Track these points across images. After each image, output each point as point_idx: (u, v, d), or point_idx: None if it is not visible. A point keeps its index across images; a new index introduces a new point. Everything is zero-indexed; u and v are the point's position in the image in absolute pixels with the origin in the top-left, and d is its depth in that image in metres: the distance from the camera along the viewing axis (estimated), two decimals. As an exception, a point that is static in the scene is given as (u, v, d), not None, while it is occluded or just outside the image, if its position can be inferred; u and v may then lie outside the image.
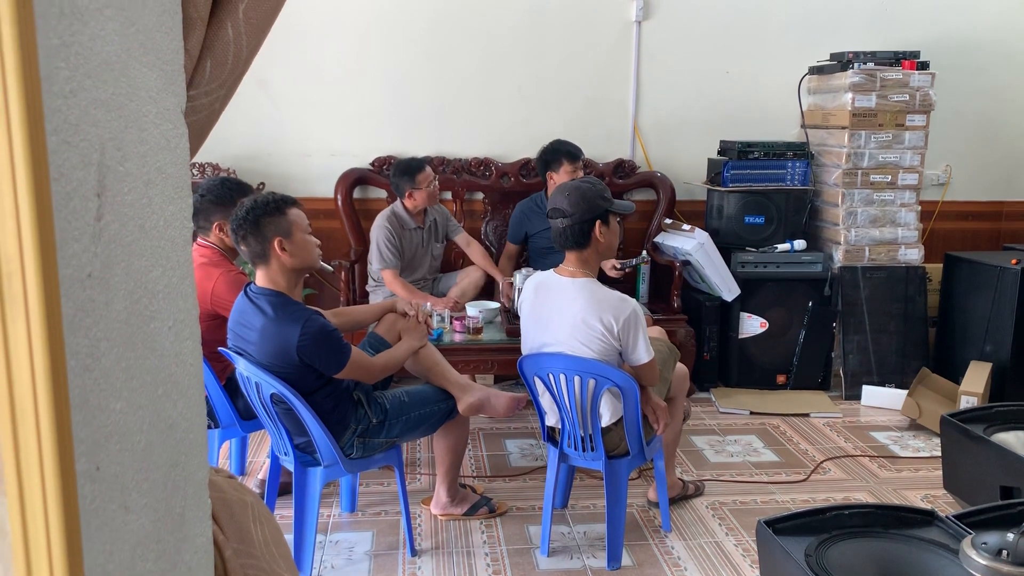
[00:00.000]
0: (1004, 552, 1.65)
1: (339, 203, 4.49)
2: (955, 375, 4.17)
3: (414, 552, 2.87)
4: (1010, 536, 1.67)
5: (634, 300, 2.70)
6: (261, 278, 2.57)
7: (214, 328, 2.88)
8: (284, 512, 2.93)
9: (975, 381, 3.96)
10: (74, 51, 0.51)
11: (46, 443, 0.46)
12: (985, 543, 1.69)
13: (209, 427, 3.02)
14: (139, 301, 0.60)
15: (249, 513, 0.88)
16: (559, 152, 4.09)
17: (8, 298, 0.45)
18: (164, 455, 0.64)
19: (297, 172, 4.57)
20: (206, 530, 0.74)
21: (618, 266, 3.96)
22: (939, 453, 3.33)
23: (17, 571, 0.47)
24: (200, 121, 0.74)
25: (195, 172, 4.38)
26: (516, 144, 4.64)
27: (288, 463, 2.75)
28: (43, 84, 0.45)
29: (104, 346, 0.55)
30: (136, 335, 0.59)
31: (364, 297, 4.27)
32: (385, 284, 3.95)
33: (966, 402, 3.85)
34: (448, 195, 4.60)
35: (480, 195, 4.68)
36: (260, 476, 3.24)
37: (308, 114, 4.56)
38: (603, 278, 2.91)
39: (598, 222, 2.68)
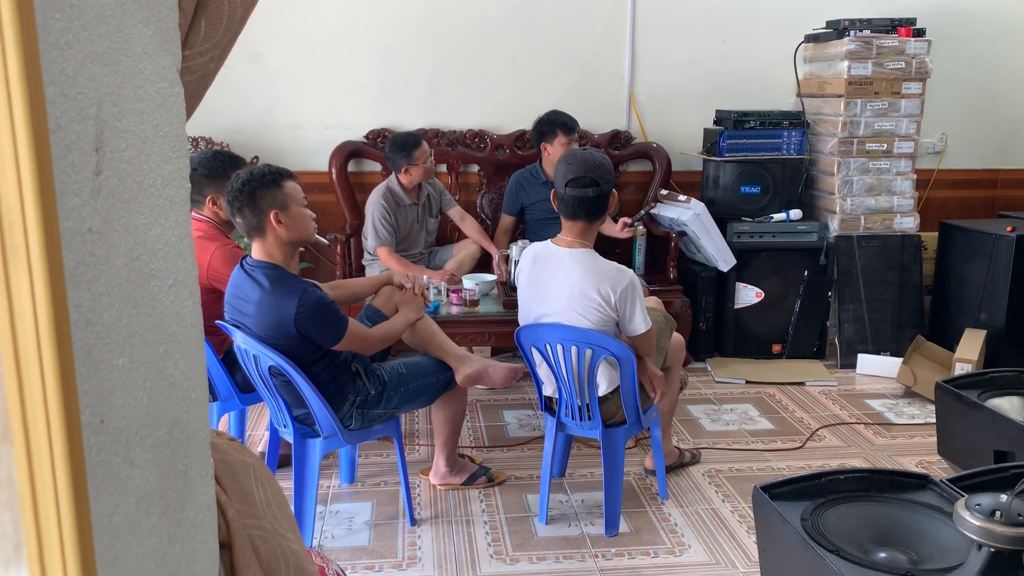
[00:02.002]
0: (997, 513, 1.67)
1: (333, 176, 4.47)
2: (950, 343, 4.19)
3: (414, 521, 2.89)
4: (1003, 497, 1.69)
5: (631, 271, 2.71)
6: (257, 251, 2.57)
7: (211, 302, 2.88)
8: (284, 484, 2.93)
9: (970, 348, 3.98)
10: (69, 2, 0.50)
11: (51, 393, 0.46)
12: (979, 504, 1.71)
13: (208, 400, 3.03)
14: (139, 258, 0.60)
15: (251, 474, 0.89)
16: (555, 124, 4.07)
17: (10, 248, 0.45)
18: (167, 412, 0.65)
19: (291, 145, 4.55)
20: (209, 489, 0.75)
21: (629, 222, 3.95)
22: (933, 420, 3.36)
23: (25, 519, 0.47)
24: (195, 82, 0.73)
25: (188, 146, 4.35)
26: (511, 116, 4.61)
27: (287, 435, 2.76)
28: (39, 34, 0.45)
29: (106, 301, 0.55)
30: (137, 292, 0.59)
31: (360, 270, 4.27)
32: (381, 260, 3.95)
33: (960, 369, 3.88)
34: (443, 168, 4.59)
35: (475, 167, 4.67)
36: (259, 448, 3.26)
37: (301, 87, 4.53)
38: (601, 248, 2.90)
39: (613, 192, 2.70)
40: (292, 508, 2.71)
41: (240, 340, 2.61)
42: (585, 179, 2.63)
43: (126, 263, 0.57)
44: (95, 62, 0.53)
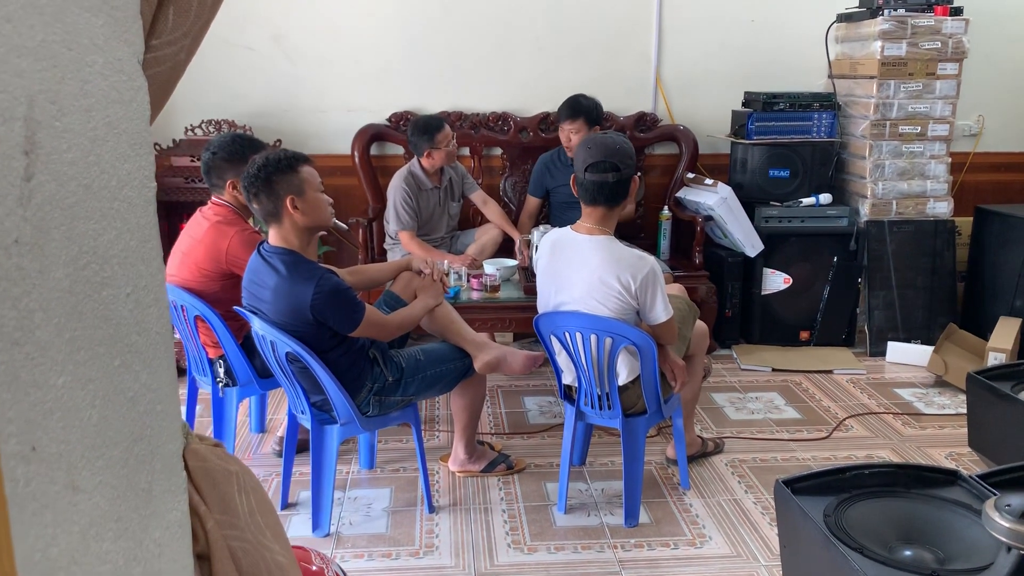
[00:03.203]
0: (1028, 514, 1.61)
1: (356, 160, 4.44)
2: (983, 331, 4.09)
3: (432, 509, 2.87)
4: (1035, 498, 1.63)
5: (653, 258, 2.65)
6: (274, 237, 2.55)
7: (229, 287, 2.88)
8: (303, 469, 2.94)
9: (1004, 337, 3.88)
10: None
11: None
12: (1009, 505, 1.65)
13: (227, 385, 3.03)
14: (86, 267, 0.56)
15: (234, 483, 0.86)
16: (561, 109, 4.02)
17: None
18: (124, 429, 0.61)
19: (313, 129, 4.53)
20: (179, 504, 0.72)
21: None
22: (964, 411, 3.27)
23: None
24: (164, 73, 0.70)
25: (211, 129, 4.35)
26: (535, 98, 4.55)
27: (305, 421, 2.75)
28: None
29: (39, 317, 0.51)
30: (83, 304, 0.56)
31: (382, 255, 4.25)
32: (402, 245, 3.92)
33: (994, 359, 3.78)
34: (466, 151, 4.54)
35: (498, 151, 4.61)
36: (280, 433, 3.25)
37: (324, 70, 4.50)
38: (625, 232, 2.84)
39: (635, 177, 2.64)
40: (311, 493, 2.70)
41: (257, 326, 2.59)
42: (605, 164, 2.57)
43: (68, 274, 0.54)
44: (23, 56, 0.49)
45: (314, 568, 1.22)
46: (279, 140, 4.42)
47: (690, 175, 4.50)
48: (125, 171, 0.60)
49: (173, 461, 0.70)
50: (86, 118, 0.55)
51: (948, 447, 3.34)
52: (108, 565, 0.58)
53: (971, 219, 4.46)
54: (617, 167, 2.57)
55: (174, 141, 4.35)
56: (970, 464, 3.16)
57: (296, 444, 2.95)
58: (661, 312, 2.61)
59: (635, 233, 4.50)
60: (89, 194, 0.56)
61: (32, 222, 0.50)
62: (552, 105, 4.22)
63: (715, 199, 4.14)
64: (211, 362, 3.03)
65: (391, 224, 3.98)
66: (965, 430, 3.24)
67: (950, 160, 4.41)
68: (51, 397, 0.52)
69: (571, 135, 3.97)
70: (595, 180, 2.58)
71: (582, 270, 2.62)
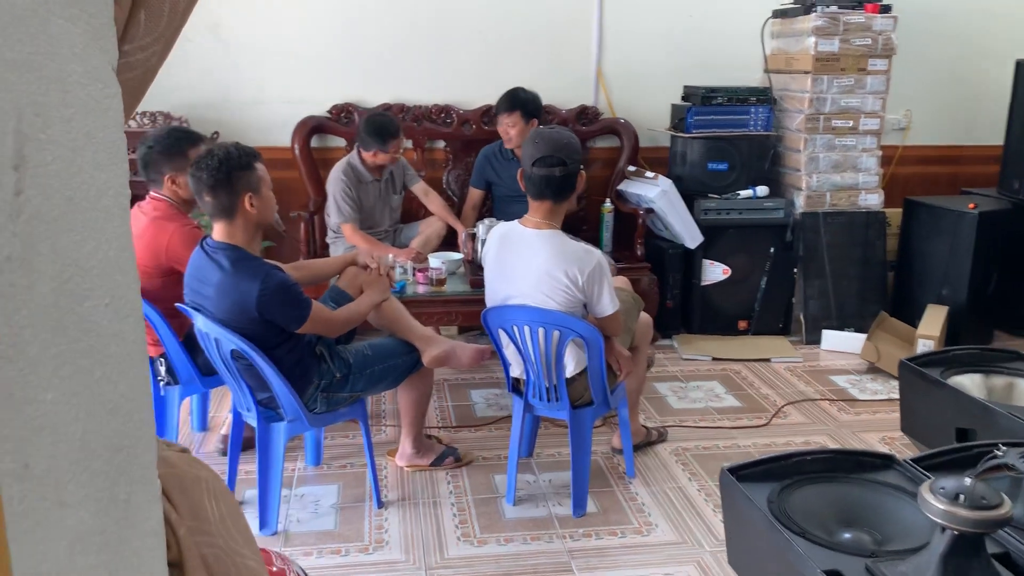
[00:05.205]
0: (961, 496, 1.68)
1: (296, 152, 4.38)
2: (913, 319, 4.24)
3: (380, 504, 2.87)
4: (967, 480, 1.70)
5: (599, 252, 2.68)
6: (220, 232, 2.50)
7: (170, 284, 2.81)
8: (248, 467, 2.90)
9: (932, 324, 4.03)
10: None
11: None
12: (943, 488, 1.72)
13: (169, 384, 2.97)
14: (70, 280, 0.55)
15: (203, 488, 0.85)
16: (499, 102, 4.03)
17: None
18: (106, 441, 0.60)
19: (252, 120, 4.45)
20: (155, 513, 0.71)
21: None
22: (897, 396, 3.39)
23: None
24: (136, 79, 0.68)
25: (146, 121, 4.24)
26: (478, 90, 4.54)
27: (251, 419, 2.72)
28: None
29: (29, 334, 0.50)
30: (67, 318, 0.55)
31: (324, 249, 4.20)
32: (345, 238, 3.88)
33: (923, 345, 3.92)
34: (409, 144, 4.51)
35: (441, 143, 4.60)
36: (223, 431, 3.21)
37: (263, 60, 4.42)
38: (568, 225, 2.87)
39: (582, 171, 2.66)
40: (257, 491, 2.68)
41: (201, 323, 2.55)
42: (552, 158, 2.60)
43: (54, 288, 0.53)
44: (12, 70, 0.48)
45: (275, 569, 1.22)
46: (216, 132, 4.33)
47: (631, 168, 4.55)
48: (103, 180, 0.59)
49: (149, 470, 0.69)
50: (67, 128, 0.54)
51: (881, 432, 3.46)
52: (91, 578, 0.57)
53: (900, 211, 4.61)
54: (564, 161, 2.60)
55: (107, 133, 4.23)
56: (902, 448, 3.29)
57: (241, 442, 2.91)
58: (608, 305, 2.65)
59: (578, 225, 4.54)
60: (71, 206, 0.55)
61: (21, 237, 0.49)
62: (495, 98, 4.22)
63: (656, 192, 4.20)
64: (152, 360, 2.96)
65: (332, 217, 3.94)
66: (897, 415, 3.36)
67: (880, 153, 4.56)
68: (41, 413, 0.51)
69: (508, 128, 3.99)
70: (542, 174, 2.60)
71: (530, 264, 2.64)
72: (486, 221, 3.69)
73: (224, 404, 3.63)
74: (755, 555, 2.18)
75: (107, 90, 0.60)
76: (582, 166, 2.71)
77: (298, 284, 2.57)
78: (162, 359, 2.94)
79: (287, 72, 4.45)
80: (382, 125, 3.81)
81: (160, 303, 2.81)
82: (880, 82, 4.44)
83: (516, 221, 2.76)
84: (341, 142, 4.47)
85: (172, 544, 0.78)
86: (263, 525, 2.70)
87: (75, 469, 0.56)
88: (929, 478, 1.95)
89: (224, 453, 3.02)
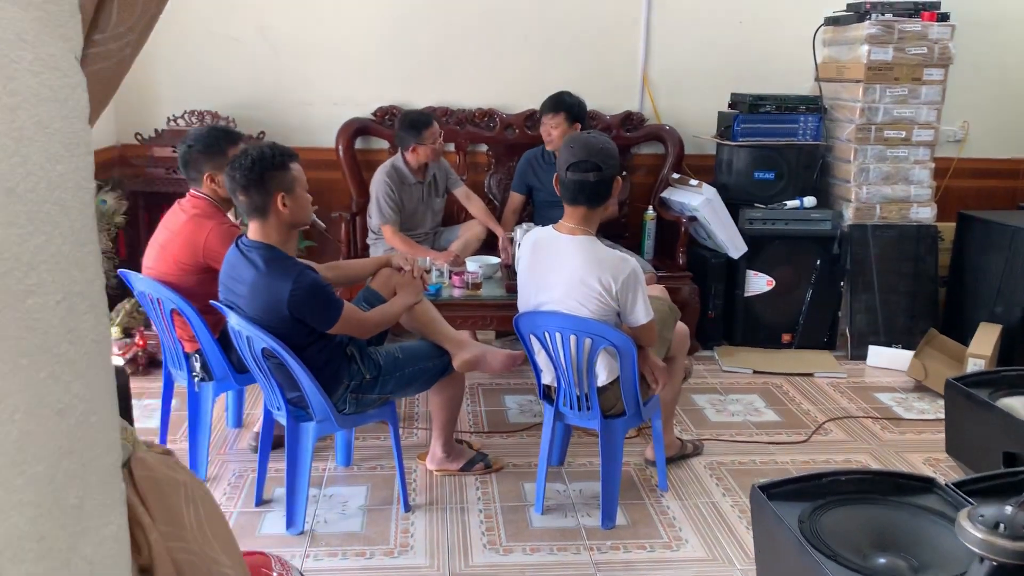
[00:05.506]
0: (1001, 525, 1.60)
1: (340, 154, 4.41)
2: (964, 337, 4.10)
3: (407, 508, 2.85)
4: (1008, 509, 1.62)
5: (634, 260, 2.63)
6: (255, 231, 2.52)
7: (207, 281, 2.84)
8: (278, 465, 2.91)
9: (983, 343, 3.89)
10: None
11: None
12: (982, 516, 1.63)
13: (203, 380, 3.00)
14: (8, 275, 0.53)
15: (181, 493, 0.83)
16: (543, 103, 4.00)
17: None
18: (50, 443, 0.58)
19: (298, 121, 4.49)
20: (116, 519, 0.69)
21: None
22: (943, 416, 3.28)
23: None
24: (109, 69, 0.67)
25: (194, 120, 4.30)
26: (522, 95, 4.53)
27: (281, 417, 2.72)
28: None
29: None
30: (2, 314, 0.53)
31: (364, 250, 4.22)
32: (385, 239, 3.89)
33: (973, 364, 3.79)
34: (451, 147, 4.51)
35: (484, 147, 4.59)
36: (256, 429, 3.22)
37: (310, 62, 4.46)
38: (609, 232, 2.83)
39: (618, 177, 2.63)
40: (285, 490, 2.68)
41: (234, 321, 2.56)
42: (587, 163, 2.56)
43: (-14, 284, 0.51)
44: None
45: (274, 574, 1.20)
46: (263, 132, 4.37)
47: (675, 175, 4.49)
48: (58, 173, 0.57)
49: (110, 474, 0.67)
50: (10, 117, 0.52)
51: (926, 452, 3.35)
52: (26, 587, 0.55)
53: (954, 225, 4.47)
54: (599, 167, 2.56)
55: (156, 131, 4.30)
56: (948, 470, 3.17)
57: (272, 440, 2.92)
58: (642, 314, 2.60)
59: (619, 232, 4.49)
60: (13, 198, 0.53)
61: (-64, 232, 0.47)
62: (539, 102, 4.20)
63: (700, 200, 4.13)
64: (187, 356, 2.99)
65: (373, 218, 3.95)
66: (943, 436, 3.25)
67: (934, 165, 4.42)
68: (-37, 414, 0.50)
69: (551, 130, 3.96)
70: (576, 179, 2.57)
71: (563, 270, 2.60)
72: (524, 225, 3.67)
73: (260, 401, 3.65)
74: (785, 576, 2.12)
75: (66, 79, 0.58)
76: (623, 172, 2.67)
77: (330, 285, 2.57)
78: (197, 355, 2.97)
79: (333, 74, 4.48)
80: (413, 117, 3.87)
81: (196, 299, 2.84)
82: (935, 92, 4.31)
83: (550, 226, 2.72)
84: (384, 144, 4.49)
85: (145, 549, 0.76)
86: (290, 524, 2.70)
87: (8, 473, 0.54)
88: (971, 504, 1.87)
89: (256, 450, 3.04)
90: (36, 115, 0.55)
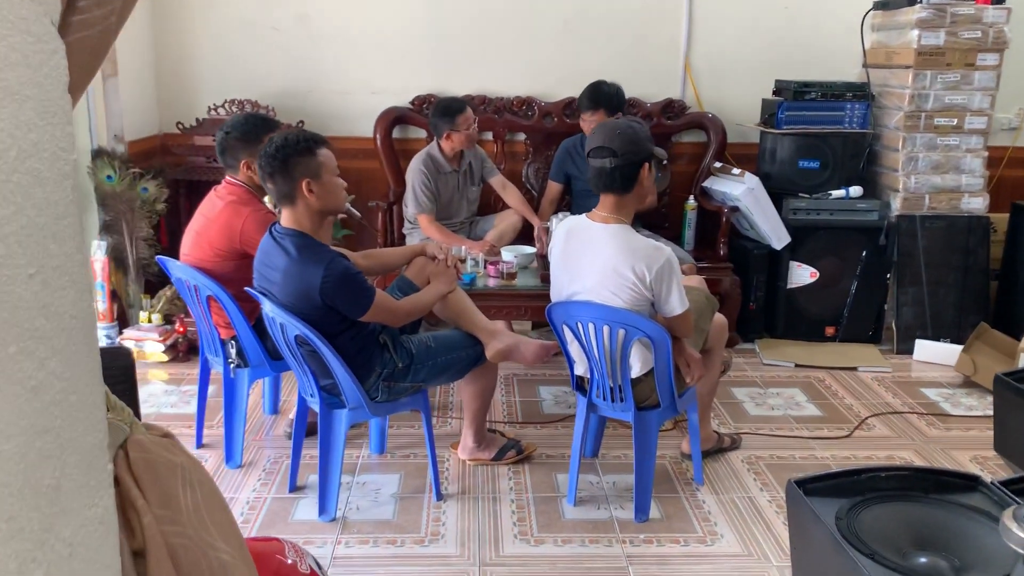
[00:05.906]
0: (1048, 526, 1.53)
1: (378, 142, 4.41)
2: (1016, 331, 3.96)
3: (439, 496, 2.84)
4: (1055, 509, 1.55)
5: (669, 249, 2.58)
6: (286, 218, 2.53)
7: (243, 267, 2.85)
8: (312, 452, 2.92)
9: (1037, 338, 3.75)
10: None
11: None
12: (1028, 515, 1.57)
13: (239, 366, 3.02)
14: (-32, 247, 0.52)
15: (178, 475, 0.82)
16: (581, 99, 3.95)
17: None
18: (22, 422, 0.57)
19: (336, 110, 4.50)
20: (101, 500, 0.67)
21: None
22: (992, 413, 3.17)
23: None
24: (93, 37, 0.65)
25: (234, 109, 4.34)
26: (561, 83, 4.48)
27: (314, 404, 2.73)
28: None
29: None
30: None
31: (401, 239, 4.22)
32: (421, 229, 3.88)
33: (1025, 360, 3.66)
34: (488, 136, 4.48)
35: (522, 136, 4.56)
36: (291, 416, 3.24)
37: (348, 51, 4.47)
38: (649, 221, 2.78)
39: (646, 165, 2.56)
40: (318, 476, 2.68)
41: (268, 308, 2.57)
42: (604, 150, 2.52)
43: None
44: None
45: (289, 561, 1.19)
46: (302, 121, 4.39)
47: (717, 164, 4.41)
48: (30, 141, 0.55)
49: (93, 455, 0.66)
50: (-29, 82, 0.51)
51: (973, 450, 3.25)
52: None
53: (1007, 216, 4.32)
54: (615, 152, 2.51)
55: (197, 120, 4.35)
56: (996, 468, 3.07)
57: (306, 427, 2.93)
58: (676, 304, 2.55)
59: (659, 222, 4.43)
60: (-26, 167, 0.51)
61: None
62: (578, 90, 4.15)
63: (742, 189, 4.05)
64: (223, 343, 3.02)
65: (409, 207, 3.94)
66: (991, 433, 3.14)
67: (987, 154, 4.28)
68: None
69: (591, 126, 3.90)
70: (595, 166, 2.55)
71: (596, 259, 2.56)
72: (560, 215, 3.63)
73: (296, 389, 3.67)
74: (821, 574, 2.06)
75: (40, 44, 0.56)
76: (664, 162, 2.61)
77: (361, 272, 2.56)
78: (233, 341, 2.99)
79: (371, 63, 4.48)
80: (446, 104, 3.86)
81: (232, 285, 2.86)
82: (989, 78, 4.16)
83: (584, 215, 2.68)
84: (422, 133, 4.48)
85: (138, 533, 0.75)
86: (322, 511, 2.71)
87: (-31, 453, 0.52)
88: (1018, 503, 1.80)
89: (291, 437, 3.05)
90: (4, 80, 0.53)
